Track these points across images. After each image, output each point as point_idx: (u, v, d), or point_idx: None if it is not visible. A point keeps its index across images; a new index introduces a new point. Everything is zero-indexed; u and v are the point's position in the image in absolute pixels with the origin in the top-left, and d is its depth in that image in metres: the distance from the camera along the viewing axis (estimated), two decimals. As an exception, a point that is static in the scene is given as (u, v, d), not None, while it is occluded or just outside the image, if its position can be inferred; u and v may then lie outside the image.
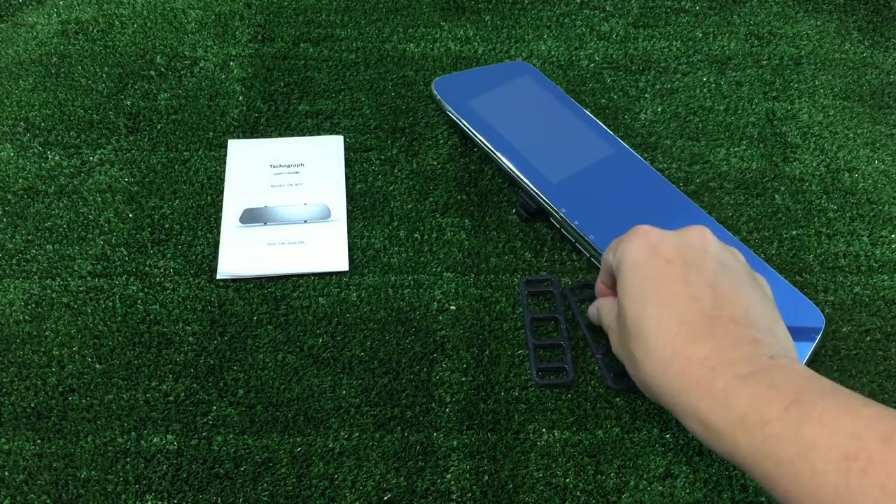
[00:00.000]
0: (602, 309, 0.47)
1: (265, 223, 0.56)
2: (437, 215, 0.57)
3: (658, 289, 0.39)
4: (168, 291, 0.53)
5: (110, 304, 0.52)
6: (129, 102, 0.64)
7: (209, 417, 0.47)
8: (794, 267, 0.55)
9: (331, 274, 0.54)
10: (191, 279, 0.53)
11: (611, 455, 0.46)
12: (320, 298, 0.52)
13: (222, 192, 0.58)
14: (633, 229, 0.43)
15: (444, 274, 0.54)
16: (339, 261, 0.54)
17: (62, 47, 0.68)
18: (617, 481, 0.45)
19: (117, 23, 0.70)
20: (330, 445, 0.46)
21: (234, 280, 0.53)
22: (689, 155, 0.61)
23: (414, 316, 0.52)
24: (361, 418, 0.47)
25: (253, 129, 0.62)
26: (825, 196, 0.59)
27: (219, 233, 0.55)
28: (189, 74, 0.66)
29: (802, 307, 0.51)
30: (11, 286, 0.52)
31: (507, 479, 0.45)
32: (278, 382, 0.49)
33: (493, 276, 0.54)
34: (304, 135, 0.62)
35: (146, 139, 0.61)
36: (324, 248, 0.55)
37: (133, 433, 0.46)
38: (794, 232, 0.57)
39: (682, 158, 0.61)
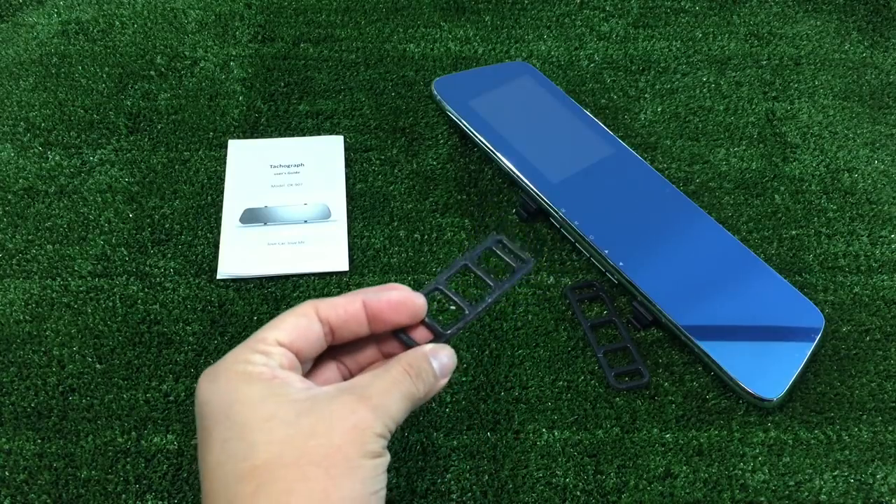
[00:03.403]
0: None
1: (265, 223, 0.56)
2: (437, 215, 0.57)
3: None
4: (168, 291, 0.53)
5: (110, 304, 0.52)
6: (129, 102, 0.64)
7: (209, 417, 0.47)
8: (793, 267, 0.55)
9: (331, 274, 0.54)
10: (191, 279, 0.53)
11: (611, 455, 0.46)
12: (320, 298, 0.52)
13: (222, 192, 0.58)
14: None
15: (444, 274, 0.54)
16: (339, 261, 0.54)
17: (62, 47, 0.68)
18: (617, 481, 0.45)
19: (117, 23, 0.70)
20: (330, 445, 0.46)
21: (234, 280, 0.53)
22: (688, 155, 0.61)
23: (414, 316, 0.52)
24: (361, 418, 0.47)
25: (253, 129, 0.62)
26: (825, 196, 0.59)
27: (219, 233, 0.55)
28: (189, 74, 0.66)
29: (802, 307, 0.51)
30: (12, 286, 0.52)
31: (507, 479, 0.45)
32: (278, 382, 0.49)
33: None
34: (304, 135, 0.62)
35: (146, 139, 0.61)
36: (324, 248, 0.55)
37: (133, 433, 0.46)
38: (793, 232, 0.57)
39: (681, 158, 0.61)
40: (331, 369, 0.36)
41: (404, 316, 0.35)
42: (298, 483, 0.29)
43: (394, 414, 0.32)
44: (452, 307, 0.36)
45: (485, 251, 0.38)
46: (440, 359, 0.35)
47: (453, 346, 0.50)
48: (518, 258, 0.38)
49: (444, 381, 0.35)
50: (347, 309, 0.34)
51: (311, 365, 0.35)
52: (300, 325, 0.33)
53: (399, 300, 0.34)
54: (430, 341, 0.36)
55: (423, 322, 0.36)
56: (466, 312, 0.36)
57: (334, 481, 0.29)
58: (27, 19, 0.70)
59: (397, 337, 0.36)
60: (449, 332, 0.36)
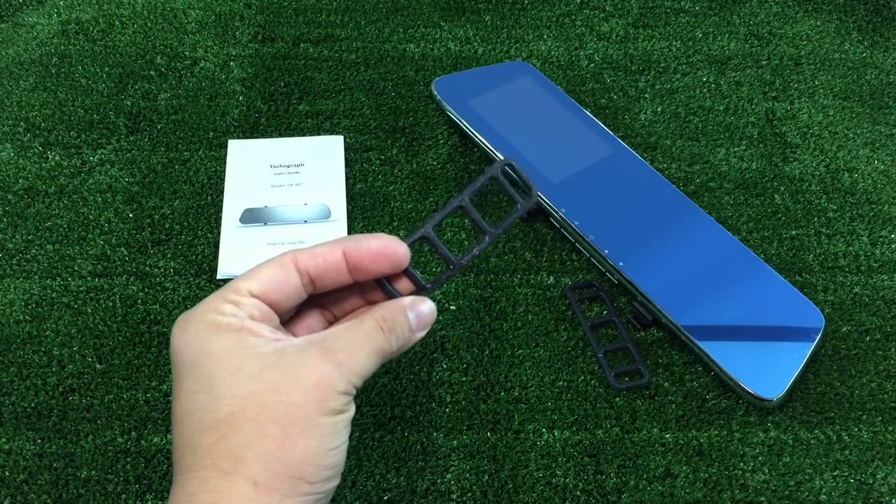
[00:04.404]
0: None
1: (265, 223, 0.56)
2: (437, 215, 0.57)
3: None
4: (168, 291, 0.53)
5: (110, 304, 0.52)
6: (129, 102, 0.64)
7: (209, 417, 0.47)
8: (793, 267, 0.55)
9: (331, 274, 0.54)
10: (191, 279, 0.53)
11: (611, 455, 0.46)
12: (320, 298, 0.52)
13: (222, 192, 0.58)
14: None
15: (444, 274, 0.54)
16: (339, 261, 0.54)
17: (62, 47, 0.68)
18: (617, 481, 0.45)
19: (117, 23, 0.70)
20: (330, 445, 0.46)
21: (234, 280, 0.53)
22: (688, 155, 0.61)
23: (414, 316, 0.52)
24: (361, 418, 0.47)
25: (253, 129, 0.62)
26: (825, 196, 0.59)
27: (219, 233, 0.55)
28: (189, 74, 0.66)
29: (802, 307, 0.51)
30: (12, 286, 0.52)
31: (507, 479, 0.45)
32: (278, 382, 0.49)
33: (493, 276, 0.54)
34: (304, 135, 0.62)
35: (146, 139, 0.61)
36: (324, 248, 0.55)
37: (133, 433, 0.46)
38: (793, 232, 0.57)
39: (681, 158, 0.61)
40: (314, 317, 0.35)
41: (385, 266, 0.33)
42: (256, 438, 0.30)
43: (360, 370, 0.32)
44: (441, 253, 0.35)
45: (490, 179, 0.35)
46: (419, 311, 0.34)
47: (452, 345, 0.50)
48: (525, 186, 0.35)
49: (420, 335, 0.34)
50: (327, 259, 0.33)
51: (294, 312, 0.35)
52: (276, 275, 0.33)
53: (379, 249, 0.33)
54: (413, 293, 0.34)
55: (405, 272, 0.34)
56: (450, 266, 0.35)
57: (290, 439, 0.30)
58: (27, 19, 0.70)
59: (381, 285, 0.34)
60: (429, 285, 0.35)
